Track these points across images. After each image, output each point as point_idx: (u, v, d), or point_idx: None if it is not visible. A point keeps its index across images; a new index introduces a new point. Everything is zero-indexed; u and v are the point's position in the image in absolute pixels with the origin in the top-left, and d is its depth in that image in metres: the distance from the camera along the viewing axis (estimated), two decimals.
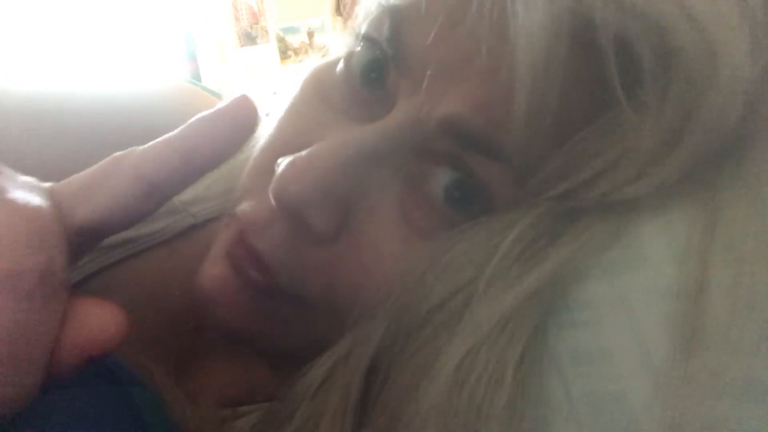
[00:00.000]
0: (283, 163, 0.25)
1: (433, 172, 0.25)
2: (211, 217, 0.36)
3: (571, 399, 0.21)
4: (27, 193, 0.18)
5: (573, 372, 0.22)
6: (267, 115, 0.37)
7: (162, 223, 0.35)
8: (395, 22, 0.26)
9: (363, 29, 0.28)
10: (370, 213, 0.26)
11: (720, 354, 0.20)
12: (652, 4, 0.21)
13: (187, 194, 0.36)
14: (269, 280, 0.26)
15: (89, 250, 0.21)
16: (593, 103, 0.22)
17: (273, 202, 0.25)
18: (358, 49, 0.28)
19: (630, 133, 0.22)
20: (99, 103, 0.35)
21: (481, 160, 0.24)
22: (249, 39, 2.16)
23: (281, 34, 2.14)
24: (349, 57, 0.28)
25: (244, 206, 0.27)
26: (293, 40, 2.14)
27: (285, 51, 2.15)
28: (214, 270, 0.27)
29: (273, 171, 0.26)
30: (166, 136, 0.20)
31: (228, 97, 0.21)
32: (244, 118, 0.20)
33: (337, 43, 0.32)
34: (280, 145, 0.28)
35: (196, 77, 2.05)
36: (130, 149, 0.20)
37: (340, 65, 0.29)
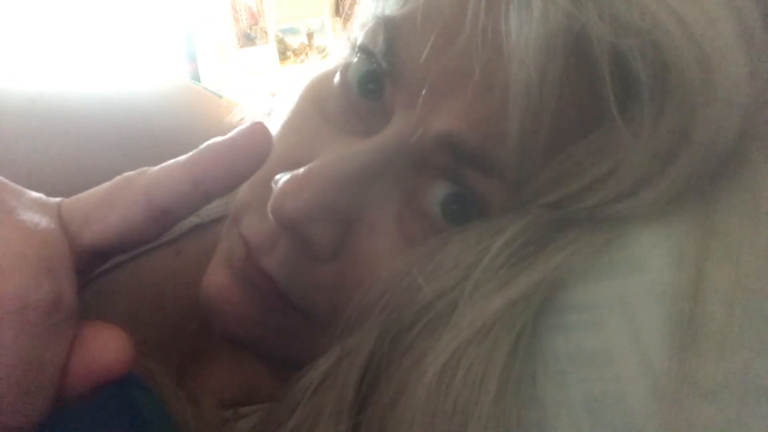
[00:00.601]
0: (281, 180, 0.25)
1: (429, 186, 0.26)
2: (216, 217, 0.36)
3: (570, 400, 0.21)
4: (35, 214, 0.18)
5: (572, 373, 0.22)
6: (268, 115, 0.37)
7: None
8: (390, 34, 0.26)
9: (359, 40, 0.28)
10: (369, 228, 0.26)
11: (718, 356, 0.20)
12: (649, 21, 0.21)
13: None
14: (277, 295, 0.26)
15: (96, 269, 0.21)
16: (587, 118, 0.23)
17: (271, 218, 0.25)
18: (355, 60, 0.28)
19: (623, 148, 0.22)
20: (99, 103, 0.35)
21: (476, 175, 0.24)
22: (248, 40, 2.16)
23: (280, 35, 2.14)
24: (345, 69, 0.28)
25: (248, 223, 0.27)
26: (292, 41, 2.13)
27: (284, 52, 2.15)
28: (218, 278, 0.28)
29: (271, 184, 0.26)
30: (177, 159, 0.20)
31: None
32: (257, 147, 0.20)
33: (336, 47, 0.32)
34: (277, 158, 0.28)
35: (196, 78, 2.05)
36: (141, 170, 0.20)
37: (337, 77, 0.29)
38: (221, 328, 0.28)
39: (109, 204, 0.19)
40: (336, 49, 0.33)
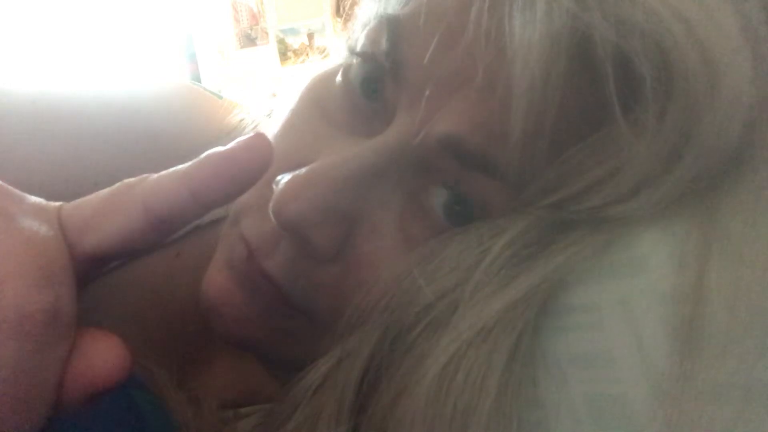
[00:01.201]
0: (281, 181, 0.25)
1: (431, 187, 0.26)
2: (216, 219, 0.36)
3: (572, 402, 0.21)
4: (34, 220, 0.18)
5: (574, 375, 0.22)
6: (268, 116, 0.37)
7: None
8: (394, 34, 0.25)
9: (361, 41, 0.27)
10: (371, 229, 0.26)
11: (720, 357, 0.20)
12: (653, 23, 0.20)
13: None
14: (279, 296, 0.26)
15: (95, 276, 0.21)
16: (590, 119, 0.22)
17: (273, 220, 0.25)
18: (357, 61, 0.28)
19: (626, 150, 0.22)
20: (100, 104, 0.35)
21: (479, 176, 0.24)
22: (249, 40, 2.16)
23: (281, 35, 2.14)
24: (347, 69, 0.28)
25: (248, 224, 0.27)
26: (293, 42, 2.13)
27: (285, 52, 2.15)
28: (218, 279, 0.28)
29: (272, 185, 0.26)
30: (177, 168, 0.20)
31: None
32: (257, 158, 0.20)
33: (337, 47, 0.32)
34: (279, 158, 0.28)
35: (196, 78, 2.05)
36: (141, 177, 0.20)
37: (338, 77, 0.29)
38: (221, 330, 0.28)
39: (108, 211, 0.19)
40: (337, 48, 0.33)
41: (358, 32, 0.29)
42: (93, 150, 0.32)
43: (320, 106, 0.29)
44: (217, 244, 0.30)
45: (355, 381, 0.24)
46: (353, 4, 0.33)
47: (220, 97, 0.42)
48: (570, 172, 0.23)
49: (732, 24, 0.21)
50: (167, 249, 0.35)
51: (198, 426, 0.29)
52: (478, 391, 0.22)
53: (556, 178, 0.23)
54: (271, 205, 0.25)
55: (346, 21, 0.34)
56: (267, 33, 2.15)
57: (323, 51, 0.37)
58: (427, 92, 0.24)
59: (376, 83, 0.27)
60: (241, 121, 0.39)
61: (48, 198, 0.20)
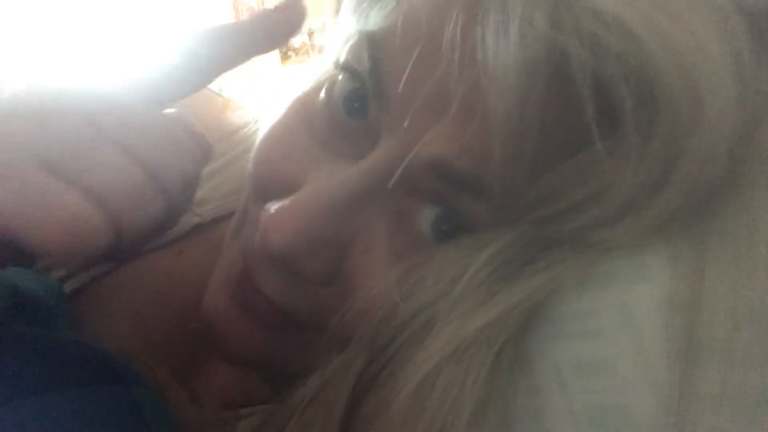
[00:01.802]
0: (268, 210, 0.25)
1: (418, 207, 0.25)
2: (218, 217, 0.36)
3: (573, 411, 0.21)
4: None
5: (575, 384, 0.21)
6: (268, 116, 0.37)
7: None
8: (373, 52, 0.25)
9: (343, 57, 0.27)
10: (363, 249, 0.26)
11: (721, 366, 0.20)
12: (631, 46, 0.20)
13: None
14: (282, 315, 0.26)
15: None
16: (572, 140, 0.22)
17: (261, 251, 0.25)
18: (341, 76, 0.27)
19: (609, 174, 0.21)
20: (100, 103, 0.34)
21: (465, 197, 0.24)
22: None
23: None
24: (331, 86, 0.28)
25: (246, 235, 0.27)
26: (294, 40, 2.13)
27: (285, 51, 2.14)
28: (218, 300, 0.28)
29: (264, 200, 0.26)
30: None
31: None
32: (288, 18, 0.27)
33: (330, 44, 0.32)
34: (269, 171, 0.28)
35: None
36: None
37: (322, 94, 0.28)
38: (223, 350, 0.28)
39: None
40: (319, 62, 0.32)
41: (340, 46, 0.28)
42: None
43: (306, 122, 0.29)
44: (219, 243, 0.30)
45: (345, 397, 0.24)
46: None
47: (220, 95, 0.41)
48: (553, 191, 0.23)
49: (714, 43, 0.20)
50: (169, 248, 0.35)
51: (198, 425, 0.29)
52: (455, 409, 0.21)
53: (540, 196, 0.23)
54: (257, 236, 0.25)
55: None
56: None
57: (324, 50, 0.37)
58: (411, 114, 0.24)
59: (361, 101, 0.26)
60: (241, 120, 0.39)
61: None
